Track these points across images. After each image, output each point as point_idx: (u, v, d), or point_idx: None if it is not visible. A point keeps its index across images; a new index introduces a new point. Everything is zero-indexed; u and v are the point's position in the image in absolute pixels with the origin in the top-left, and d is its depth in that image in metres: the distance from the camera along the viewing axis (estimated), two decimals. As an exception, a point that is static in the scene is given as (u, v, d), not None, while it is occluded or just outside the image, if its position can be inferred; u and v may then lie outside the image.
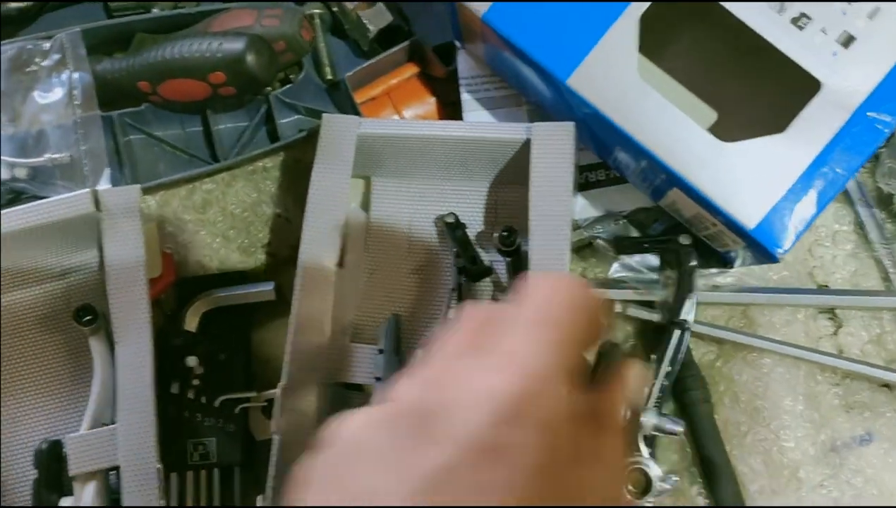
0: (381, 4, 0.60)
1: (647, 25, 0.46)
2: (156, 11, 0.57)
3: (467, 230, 0.52)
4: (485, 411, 0.23)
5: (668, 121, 0.45)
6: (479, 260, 0.50)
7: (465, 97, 0.57)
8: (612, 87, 0.46)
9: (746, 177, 0.45)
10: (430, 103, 0.61)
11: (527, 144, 0.49)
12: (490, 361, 0.25)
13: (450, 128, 0.50)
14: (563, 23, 0.47)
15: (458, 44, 0.57)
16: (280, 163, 0.60)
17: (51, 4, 0.60)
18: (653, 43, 0.48)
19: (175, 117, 0.57)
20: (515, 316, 0.26)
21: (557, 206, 0.46)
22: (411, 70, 0.60)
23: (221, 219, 0.59)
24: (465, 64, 0.57)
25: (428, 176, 0.54)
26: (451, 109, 0.60)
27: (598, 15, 0.46)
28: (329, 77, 0.60)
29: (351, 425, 0.24)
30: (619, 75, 0.46)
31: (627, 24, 0.46)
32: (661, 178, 0.47)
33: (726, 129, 0.48)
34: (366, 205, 0.55)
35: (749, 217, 0.45)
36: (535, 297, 0.26)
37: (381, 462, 0.23)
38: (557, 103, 0.51)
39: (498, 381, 0.24)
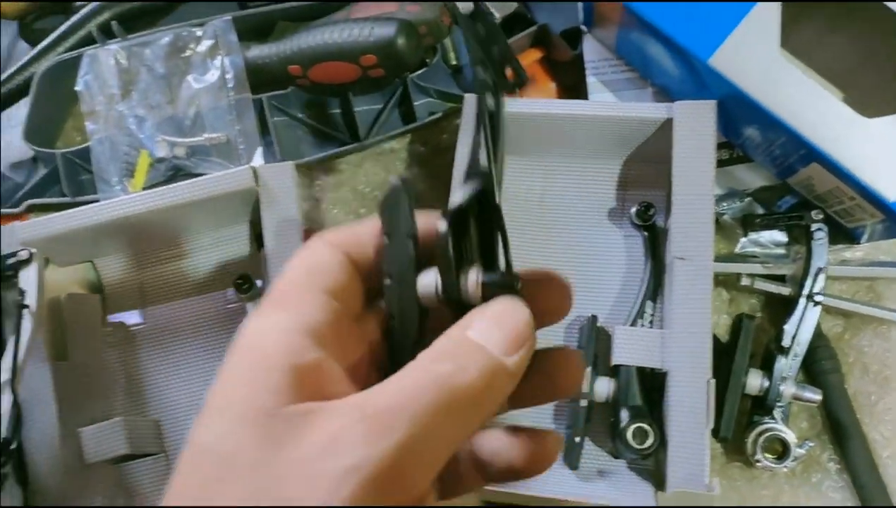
0: (506, -8, 0.63)
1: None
2: (296, 1, 0.60)
3: (596, 206, 0.55)
4: None
5: (810, 98, 0.47)
6: None
7: (591, 80, 0.59)
8: (754, 66, 0.48)
9: (888, 151, 0.47)
10: (550, 88, 0.63)
11: (667, 123, 0.51)
12: None
13: (591, 108, 0.52)
14: (704, 4, 0.49)
15: (584, 28, 0.59)
16: (407, 144, 0.63)
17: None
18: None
19: (315, 100, 0.60)
20: None
21: (701, 184, 0.48)
22: (535, 55, 0.63)
23: (352, 198, 0.62)
24: (590, 48, 0.59)
25: (559, 154, 0.56)
26: (569, 94, 0.63)
27: (742, -4, 0.48)
28: (454, 62, 0.63)
29: None
30: (761, 54, 0.48)
31: (770, 4, 0.48)
32: (800, 154, 0.49)
33: (856, 108, 0.49)
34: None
35: (891, 189, 0.46)
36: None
37: None
38: (688, 84, 0.53)
39: None
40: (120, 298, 0.56)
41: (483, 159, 0.27)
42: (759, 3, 0.48)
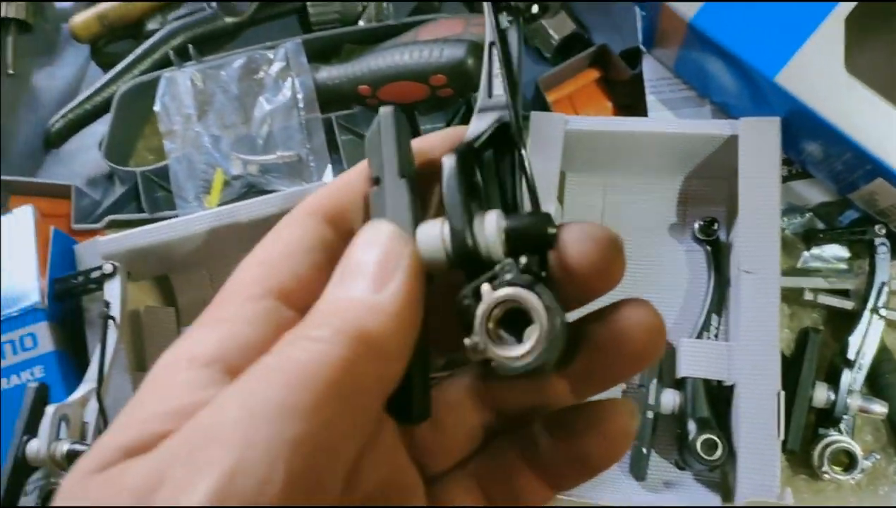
0: (563, 14, 0.64)
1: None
2: (362, 24, 0.63)
3: (657, 222, 0.56)
4: None
5: (875, 114, 0.48)
6: None
7: (650, 98, 0.60)
8: (820, 83, 0.49)
9: (954, 166, 0.47)
10: (606, 108, 0.65)
11: (730, 140, 0.52)
12: None
13: (655, 125, 0.53)
14: (771, 23, 0.50)
15: (643, 48, 0.61)
16: (468, 162, 0.65)
17: (258, 18, 0.66)
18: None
19: (381, 119, 0.62)
20: None
21: (767, 199, 0.49)
22: (593, 75, 0.64)
23: (414, 214, 0.64)
24: (649, 67, 0.61)
25: (620, 170, 0.58)
26: (625, 113, 0.64)
27: (808, 14, 0.49)
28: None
29: None
30: (827, 71, 0.49)
31: (835, 22, 0.49)
32: (865, 169, 0.50)
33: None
34: (560, 200, 0.59)
35: (958, 204, 0.47)
36: None
37: None
38: (747, 102, 0.54)
39: None
40: (193, 311, 0.58)
41: (498, 89, 0.22)
42: (826, 22, 0.49)
